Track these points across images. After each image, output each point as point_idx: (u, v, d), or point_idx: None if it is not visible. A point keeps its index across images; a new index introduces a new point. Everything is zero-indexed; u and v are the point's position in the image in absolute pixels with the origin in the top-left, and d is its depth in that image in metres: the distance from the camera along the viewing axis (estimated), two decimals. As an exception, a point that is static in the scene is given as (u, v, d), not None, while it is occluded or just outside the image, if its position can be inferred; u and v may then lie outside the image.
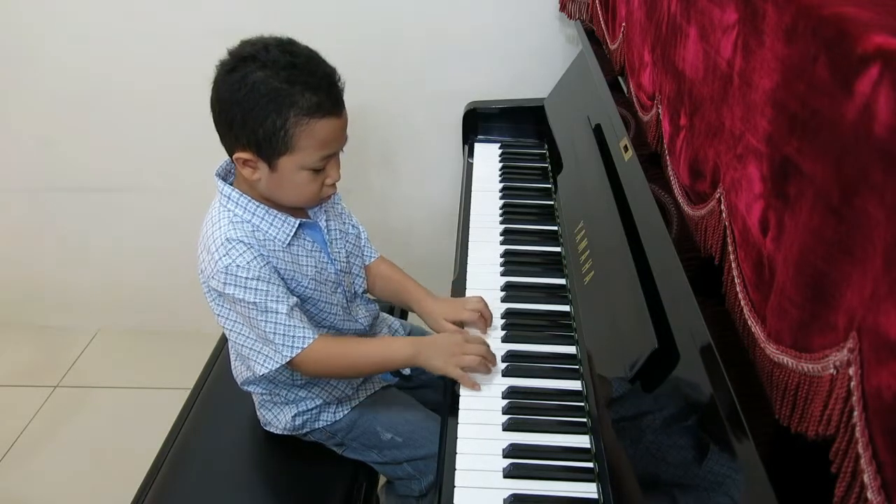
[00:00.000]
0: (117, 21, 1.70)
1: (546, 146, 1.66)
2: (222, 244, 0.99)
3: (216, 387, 1.31)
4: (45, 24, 1.72)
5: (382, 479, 1.27)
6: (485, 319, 1.12)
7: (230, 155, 1.00)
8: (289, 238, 1.03)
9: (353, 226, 1.21)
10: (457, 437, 0.94)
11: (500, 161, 1.62)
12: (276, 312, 0.99)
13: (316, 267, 1.08)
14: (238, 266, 0.97)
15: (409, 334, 1.34)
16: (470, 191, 1.51)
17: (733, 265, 0.68)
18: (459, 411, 0.98)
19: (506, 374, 1.04)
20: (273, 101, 0.93)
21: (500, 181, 1.54)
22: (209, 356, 1.40)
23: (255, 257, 0.99)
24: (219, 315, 1.04)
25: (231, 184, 1.04)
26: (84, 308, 2.19)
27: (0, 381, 2.04)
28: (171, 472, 1.15)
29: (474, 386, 1.01)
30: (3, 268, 2.12)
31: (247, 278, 0.98)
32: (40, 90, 1.81)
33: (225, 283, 0.98)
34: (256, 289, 0.98)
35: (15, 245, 2.08)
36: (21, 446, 1.83)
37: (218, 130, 1.00)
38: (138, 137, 1.86)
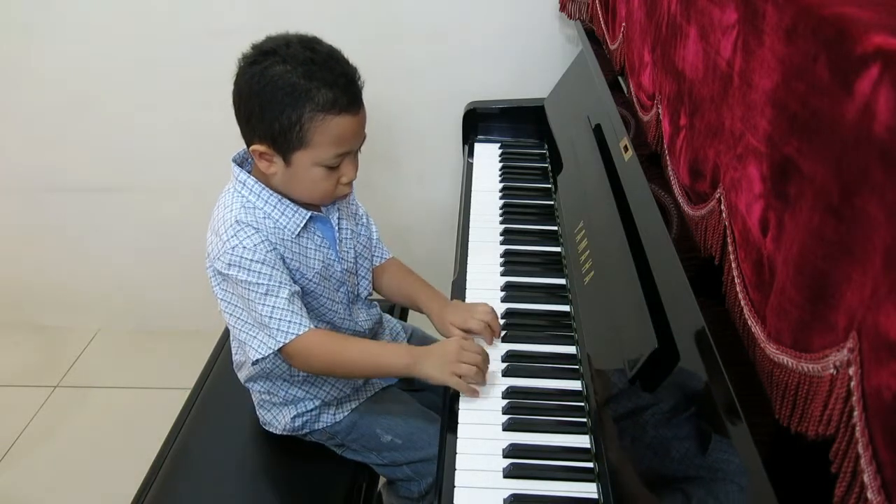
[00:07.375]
0: (117, 21, 1.70)
1: (546, 146, 1.65)
2: (231, 226, 1.00)
3: (216, 387, 1.31)
4: (45, 23, 1.72)
5: (383, 479, 1.27)
6: (492, 330, 1.10)
7: (248, 146, 1.02)
8: (298, 228, 1.04)
9: (365, 227, 1.20)
10: (457, 437, 0.94)
11: (500, 161, 1.62)
12: (276, 296, 0.99)
13: (323, 262, 1.08)
14: (244, 248, 0.98)
15: (410, 336, 1.34)
16: (470, 191, 1.51)
17: (733, 265, 0.68)
18: (459, 411, 0.98)
19: (506, 374, 1.04)
20: (290, 96, 0.94)
21: (500, 181, 1.54)
22: (209, 356, 1.39)
23: (262, 241, 1.00)
24: (221, 299, 1.05)
25: (248, 171, 1.05)
26: (84, 308, 2.19)
27: (0, 381, 2.04)
28: (171, 472, 1.15)
29: (473, 393, 0.99)
30: (2, 268, 2.12)
31: (251, 260, 0.98)
32: (40, 90, 1.81)
33: (230, 265, 0.99)
34: (260, 272, 0.99)
35: (15, 245, 2.08)
36: (21, 446, 1.83)
37: (238, 123, 1.01)
38: (138, 137, 1.86)
